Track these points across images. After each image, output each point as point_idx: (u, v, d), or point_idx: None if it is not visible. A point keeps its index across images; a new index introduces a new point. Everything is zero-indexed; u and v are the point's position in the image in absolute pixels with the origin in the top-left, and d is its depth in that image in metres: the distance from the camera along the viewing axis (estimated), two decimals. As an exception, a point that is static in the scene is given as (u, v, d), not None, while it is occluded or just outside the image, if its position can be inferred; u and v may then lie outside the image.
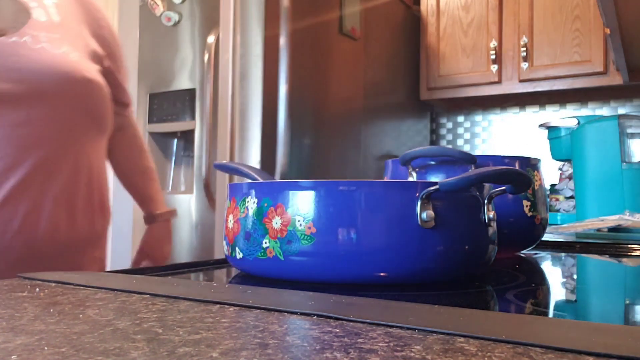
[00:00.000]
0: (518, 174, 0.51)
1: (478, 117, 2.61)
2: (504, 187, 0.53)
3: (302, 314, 0.33)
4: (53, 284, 0.44)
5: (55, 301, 0.37)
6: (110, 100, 0.87)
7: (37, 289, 0.41)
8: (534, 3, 2.19)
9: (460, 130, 2.65)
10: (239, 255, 0.51)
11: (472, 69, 2.30)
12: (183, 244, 2.10)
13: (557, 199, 2.17)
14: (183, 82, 2.18)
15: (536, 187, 0.72)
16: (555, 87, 2.18)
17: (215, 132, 2.00)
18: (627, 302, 0.48)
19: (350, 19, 1.92)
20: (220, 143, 1.98)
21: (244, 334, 0.28)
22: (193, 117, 2.12)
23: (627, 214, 1.21)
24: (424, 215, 0.46)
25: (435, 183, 0.47)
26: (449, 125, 2.68)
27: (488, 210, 0.51)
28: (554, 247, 0.90)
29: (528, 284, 0.53)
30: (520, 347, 0.26)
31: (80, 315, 0.32)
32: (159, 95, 2.21)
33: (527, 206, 0.70)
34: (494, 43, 2.25)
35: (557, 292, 0.52)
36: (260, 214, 0.49)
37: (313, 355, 0.25)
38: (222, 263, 0.66)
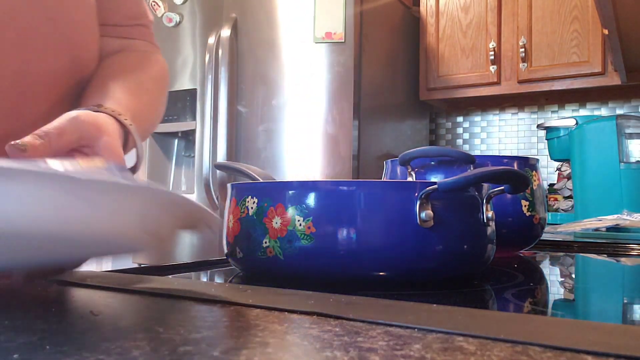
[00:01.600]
0: (516, 174, 0.51)
1: (477, 118, 2.62)
2: (502, 187, 0.53)
3: (302, 313, 0.33)
4: (55, 283, 0.44)
5: (57, 300, 0.37)
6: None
7: (39, 288, 0.42)
8: (533, 4, 2.19)
9: (459, 131, 2.65)
10: (239, 255, 0.51)
11: (471, 69, 2.31)
12: (184, 244, 2.10)
13: (555, 199, 2.17)
14: (184, 82, 2.18)
15: (534, 187, 0.72)
16: (553, 88, 2.18)
17: (216, 132, 2.00)
18: (625, 301, 0.48)
19: (324, 25, 1.92)
20: (220, 143, 1.98)
21: (245, 333, 0.28)
22: (194, 117, 2.13)
23: (625, 213, 1.21)
24: (423, 215, 0.46)
25: (434, 183, 0.47)
26: (448, 125, 2.68)
27: (487, 210, 0.51)
28: (553, 246, 0.90)
29: (526, 283, 0.53)
30: (518, 345, 0.26)
31: (82, 315, 0.32)
32: (159, 95, 2.21)
33: (525, 206, 0.71)
34: (492, 44, 2.25)
35: (556, 291, 0.53)
36: (261, 213, 0.49)
37: (313, 354, 0.25)
38: (223, 263, 0.66)
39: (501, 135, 2.56)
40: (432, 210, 0.47)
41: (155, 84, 0.64)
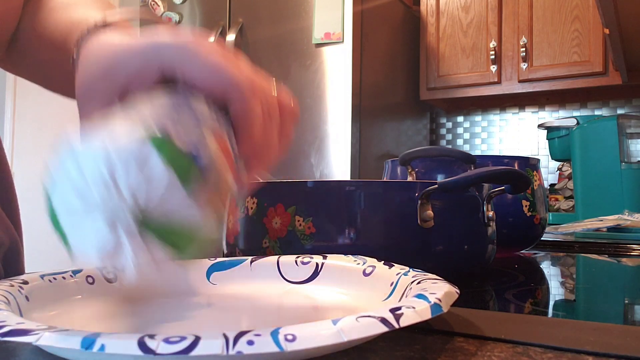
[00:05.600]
0: (517, 174, 0.51)
1: (477, 117, 2.61)
2: (503, 187, 0.53)
3: (301, 313, 0.33)
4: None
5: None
6: None
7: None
8: (534, 3, 2.19)
9: (459, 130, 2.65)
10: (239, 255, 0.51)
11: (471, 69, 2.30)
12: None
13: (556, 199, 2.17)
14: (183, 82, 2.18)
15: (535, 187, 0.72)
16: (554, 87, 2.18)
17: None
18: (626, 301, 0.48)
19: (323, 26, 1.92)
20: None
21: (244, 334, 0.28)
22: (193, 117, 2.13)
23: (626, 213, 1.21)
24: (424, 215, 0.46)
25: (434, 183, 0.47)
26: (449, 125, 2.68)
27: (487, 210, 0.51)
28: (553, 246, 0.90)
29: (527, 283, 0.53)
30: (519, 346, 0.26)
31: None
32: (159, 95, 2.21)
33: (526, 206, 0.71)
34: (493, 43, 2.25)
35: (556, 291, 0.52)
36: (260, 213, 0.49)
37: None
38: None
39: (502, 135, 2.56)
40: (433, 210, 0.47)
41: None
